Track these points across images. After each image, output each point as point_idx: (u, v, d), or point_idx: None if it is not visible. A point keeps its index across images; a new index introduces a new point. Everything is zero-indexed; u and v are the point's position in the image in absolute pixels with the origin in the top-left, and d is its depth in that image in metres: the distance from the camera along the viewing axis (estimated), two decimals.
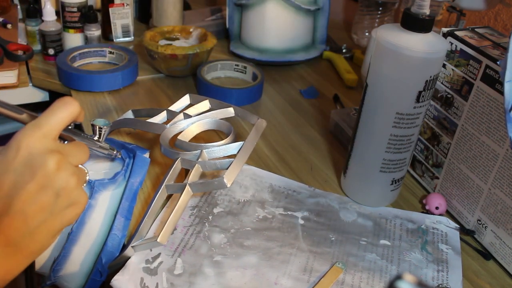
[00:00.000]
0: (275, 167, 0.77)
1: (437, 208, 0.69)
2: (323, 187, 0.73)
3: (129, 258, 0.57)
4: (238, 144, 0.63)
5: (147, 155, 0.65)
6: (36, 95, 0.98)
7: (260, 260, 0.60)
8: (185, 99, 0.76)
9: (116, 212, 0.60)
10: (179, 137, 0.67)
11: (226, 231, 0.63)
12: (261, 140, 0.83)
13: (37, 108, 1.15)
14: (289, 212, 0.67)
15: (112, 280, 0.54)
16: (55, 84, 0.95)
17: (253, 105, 0.93)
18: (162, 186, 0.61)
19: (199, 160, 0.63)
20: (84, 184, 0.49)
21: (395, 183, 0.68)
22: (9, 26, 1.05)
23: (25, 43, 1.03)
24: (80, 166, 0.49)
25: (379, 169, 0.66)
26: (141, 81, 0.98)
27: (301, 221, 0.66)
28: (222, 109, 0.71)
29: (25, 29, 1.03)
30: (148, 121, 0.71)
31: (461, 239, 0.66)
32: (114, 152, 0.61)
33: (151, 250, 0.59)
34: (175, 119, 0.70)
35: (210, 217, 0.65)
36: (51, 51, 0.99)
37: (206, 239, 0.61)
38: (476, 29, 0.68)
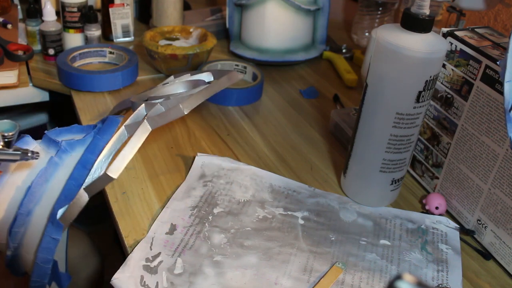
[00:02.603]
0: (275, 167, 0.77)
1: (437, 208, 0.69)
2: (323, 187, 0.73)
3: (83, 204, 0.54)
4: (205, 86, 0.62)
5: (120, 118, 0.63)
6: (36, 95, 0.98)
7: (260, 260, 0.60)
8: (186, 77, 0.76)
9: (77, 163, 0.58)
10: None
11: (226, 231, 0.63)
12: (261, 140, 0.83)
13: (37, 108, 1.15)
14: (289, 212, 0.67)
15: (112, 279, 0.54)
16: (55, 84, 0.95)
17: (253, 105, 0.93)
18: (121, 128, 0.59)
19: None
20: None
21: (395, 183, 0.68)
22: (9, 26, 1.05)
23: (25, 43, 1.03)
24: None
25: (379, 169, 0.66)
26: (141, 81, 0.98)
27: (301, 221, 0.66)
28: (201, 73, 0.72)
29: (25, 29, 1.03)
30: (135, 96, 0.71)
31: (461, 239, 0.66)
32: (29, 154, 0.56)
33: (151, 249, 0.59)
34: (155, 88, 0.70)
35: (210, 217, 0.65)
36: (51, 51, 0.99)
37: (206, 239, 0.62)
38: (476, 29, 0.68)
